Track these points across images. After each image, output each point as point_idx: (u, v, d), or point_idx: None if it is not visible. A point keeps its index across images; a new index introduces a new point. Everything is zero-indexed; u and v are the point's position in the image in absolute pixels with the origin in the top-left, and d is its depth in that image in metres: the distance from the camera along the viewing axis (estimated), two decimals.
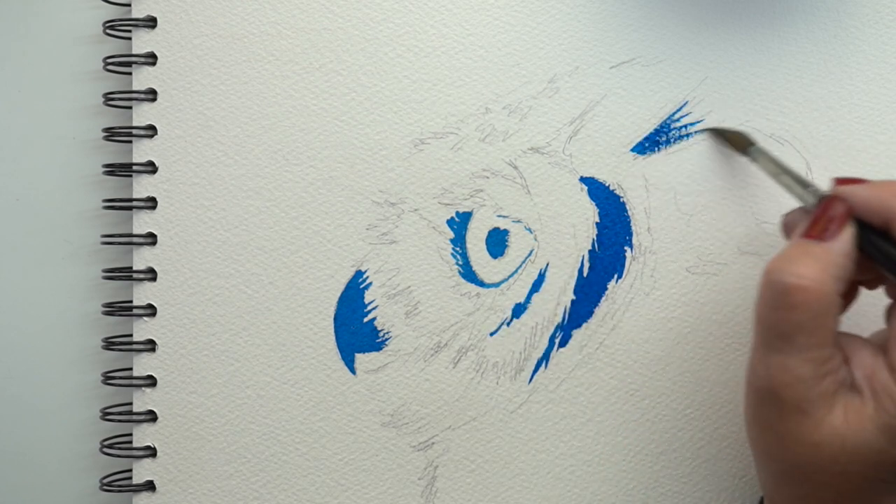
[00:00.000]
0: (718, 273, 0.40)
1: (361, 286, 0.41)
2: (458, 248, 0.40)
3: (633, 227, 0.40)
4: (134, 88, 0.41)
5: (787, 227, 0.36)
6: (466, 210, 0.40)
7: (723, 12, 0.40)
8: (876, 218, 0.31)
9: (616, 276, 0.40)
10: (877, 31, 0.40)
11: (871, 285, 0.35)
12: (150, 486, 0.41)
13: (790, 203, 0.40)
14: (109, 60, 0.41)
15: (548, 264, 0.40)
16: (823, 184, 0.40)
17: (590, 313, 0.40)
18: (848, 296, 0.34)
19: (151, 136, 0.41)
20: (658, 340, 0.40)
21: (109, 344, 0.41)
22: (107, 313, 0.41)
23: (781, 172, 0.36)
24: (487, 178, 0.40)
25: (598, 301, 0.40)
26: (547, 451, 0.41)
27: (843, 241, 0.32)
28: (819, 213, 0.32)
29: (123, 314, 0.41)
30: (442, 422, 0.41)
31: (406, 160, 0.40)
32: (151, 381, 0.41)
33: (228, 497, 0.41)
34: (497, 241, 0.40)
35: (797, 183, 0.35)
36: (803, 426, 0.30)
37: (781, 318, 0.30)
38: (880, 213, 0.31)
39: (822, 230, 0.32)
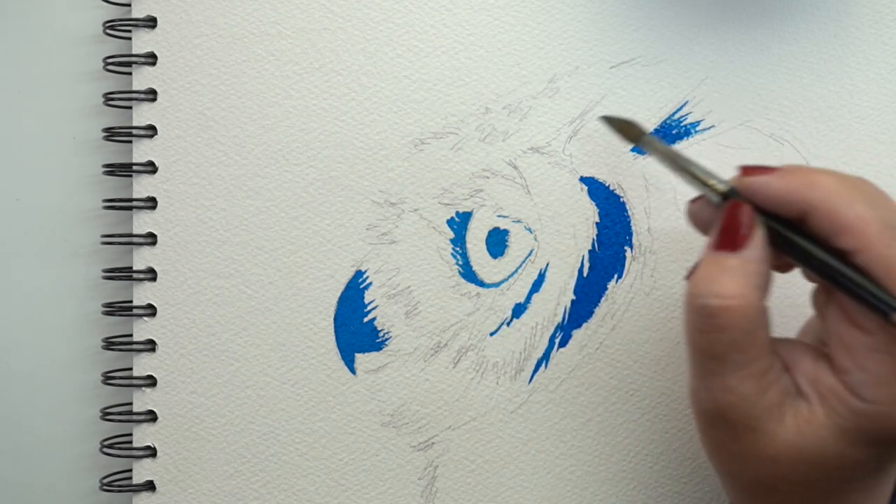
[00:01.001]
0: None
1: (361, 286, 0.41)
2: (458, 248, 0.40)
3: (633, 227, 0.40)
4: (134, 88, 0.41)
5: (693, 217, 0.34)
6: (466, 210, 0.40)
7: (723, 12, 0.40)
8: (788, 211, 0.30)
9: (616, 276, 0.40)
10: (877, 31, 0.40)
11: (784, 269, 0.33)
12: (150, 486, 0.41)
13: None
14: (109, 60, 0.41)
15: (548, 264, 0.40)
16: None
17: (590, 313, 0.40)
18: None
19: (151, 136, 0.41)
20: (658, 340, 0.40)
21: (109, 344, 0.41)
22: (107, 313, 0.41)
23: (678, 164, 0.34)
24: (487, 178, 0.40)
25: (598, 301, 0.40)
26: (547, 451, 0.41)
27: (756, 246, 0.30)
28: (727, 221, 0.31)
29: (123, 314, 0.41)
30: (442, 422, 0.41)
31: (406, 160, 0.40)
32: (151, 381, 0.41)
33: (228, 497, 0.41)
34: (497, 241, 0.40)
35: (697, 175, 0.33)
36: (757, 443, 0.30)
37: (712, 341, 0.30)
38: (792, 206, 0.30)
39: (733, 239, 0.30)
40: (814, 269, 0.30)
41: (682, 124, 0.40)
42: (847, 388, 0.29)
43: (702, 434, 0.32)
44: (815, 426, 0.29)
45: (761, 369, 0.30)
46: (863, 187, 0.30)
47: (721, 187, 0.32)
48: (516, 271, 0.40)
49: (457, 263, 0.40)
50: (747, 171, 0.31)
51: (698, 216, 0.33)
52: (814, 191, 0.29)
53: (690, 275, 0.32)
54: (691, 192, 0.40)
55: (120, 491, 0.41)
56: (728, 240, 0.30)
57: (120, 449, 0.41)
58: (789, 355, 0.31)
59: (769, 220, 0.31)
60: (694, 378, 0.31)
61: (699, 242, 0.40)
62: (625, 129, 0.38)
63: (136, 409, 0.41)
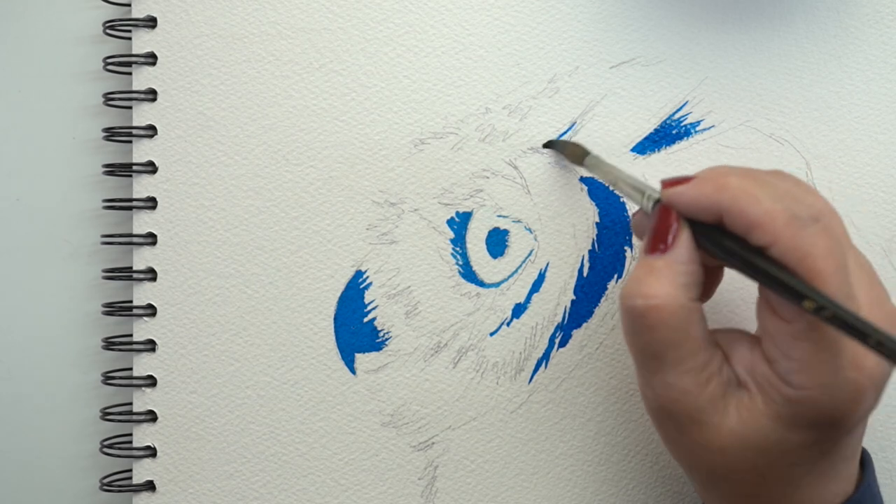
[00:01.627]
0: None
1: (361, 286, 0.41)
2: (458, 248, 0.40)
3: None
4: (134, 88, 0.41)
5: (637, 229, 0.35)
6: (466, 210, 0.40)
7: (723, 12, 0.40)
8: (706, 216, 0.31)
9: (616, 276, 0.40)
10: (877, 30, 0.40)
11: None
12: (150, 486, 0.41)
13: None
14: (109, 60, 0.41)
15: (548, 264, 0.40)
16: (825, 184, 0.40)
17: (590, 313, 0.40)
18: (712, 279, 0.34)
19: (151, 136, 0.41)
20: None
21: (109, 344, 0.41)
22: (107, 313, 0.41)
23: (618, 180, 0.35)
24: (487, 178, 0.40)
25: (598, 301, 0.40)
26: (547, 451, 0.41)
27: (682, 247, 0.31)
28: (656, 225, 0.32)
29: (123, 314, 0.41)
30: (442, 422, 0.41)
31: (406, 160, 0.40)
32: (151, 381, 0.41)
33: (228, 497, 0.41)
34: (497, 241, 0.40)
35: (634, 190, 0.34)
36: (704, 435, 0.31)
37: (646, 341, 0.31)
38: (709, 210, 0.30)
39: (661, 242, 0.31)
40: (735, 266, 0.31)
41: (682, 124, 0.40)
42: (778, 376, 0.30)
43: (658, 431, 0.33)
44: (755, 414, 0.30)
45: (699, 364, 0.31)
46: (771, 181, 0.31)
47: (655, 196, 0.33)
48: (516, 271, 0.40)
49: (457, 263, 0.40)
50: (666, 183, 0.32)
51: (639, 227, 0.35)
52: (723, 193, 0.30)
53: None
54: None
55: (120, 491, 0.41)
56: (656, 243, 0.31)
57: (120, 449, 0.41)
58: (729, 346, 0.32)
59: (690, 225, 0.31)
60: (638, 377, 0.32)
61: None
62: (571, 151, 0.39)
63: (136, 409, 0.41)
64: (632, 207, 0.40)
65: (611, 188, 0.38)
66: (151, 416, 0.41)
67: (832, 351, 0.29)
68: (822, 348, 0.29)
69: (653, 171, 0.40)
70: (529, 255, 0.40)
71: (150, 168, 0.41)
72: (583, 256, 0.40)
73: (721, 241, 0.31)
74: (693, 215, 0.31)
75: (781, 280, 0.29)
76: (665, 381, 0.31)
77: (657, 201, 0.32)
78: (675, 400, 0.31)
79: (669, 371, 0.31)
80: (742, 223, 0.30)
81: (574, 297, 0.40)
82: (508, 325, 0.40)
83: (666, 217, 0.32)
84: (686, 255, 0.31)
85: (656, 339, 0.30)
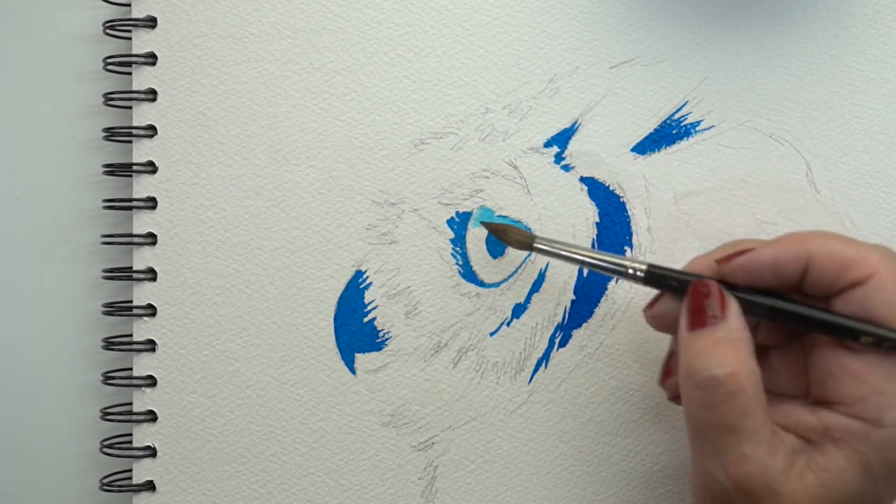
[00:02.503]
0: None
1: (361, 286, 0.41)
2: (458, 248, 0.40)
3: (633, 227, 0.40)
4: (134, 88, 0.41)
5: (657, 320, 0.35)
6: (466, 210, 0.40)
7: (723, 12, 0.40)
8: (791, 268, 0.31)
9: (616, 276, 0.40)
10: (877, 31, 0.40)
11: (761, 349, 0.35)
12: (150, 486, 0.41)
13: (791, 202, 0.40)
14: (109, 60, 0.41)
15: (548, 264, 0.40)
16: (825, 184, 0.40)
17: (590, 313, 0.40)
18: None
19: (151, 136, 0.41)
20: (658, 340, 0.40)
21: (109, 344, 0.41)
22: (107, 313, 0.41)
23: (588, 258, 0.35)
24: (487, 178, 0.40)
25: (598, 301, 0.40)
26: (547, 451, 0.41)
27: (736, 316, 0.31)
28: (697, 300, 0.32)
29: (123, 314, 0.41)
30: (442, 422, 0.41)
31: (406, 160, 0.40)
32: (151, 381, 0.41)
33: (228, 497, 0.41)
34: (497, 242, 0.40)
35: (613, 265, 0.34)
36: None
37: (723, 412, 0.30)
38: (795, 261, 0.31)
39: (706, 315, 0.31)
40: (790, 322, 0.31)
41: (682, 124, 0.40)
42: (864, 420, 0.30)
43: None
44: (836, 472, 0.30)
45: (769, 432, 0.30)
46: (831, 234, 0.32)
47: (642, 265, 0.33)
48: (516, 271, 0.40)
49: (457, 263, 0.40)
50: (725, 259, 0.32)
51: (663, 318, 0.34)
52: (806, 243, 0.31)
53: (664, 379, 0.35)
54: (690, 193, 0.40)
55: (120, 491, 0.41)
56: (702, 317, 0.31)
57: (120, 449, 0.41)
58: (785, 418, 0.32)
59: (756, 296, 0.32)
60: (704, 459, 0.31)
61: (699, 243, 0.40)
62: (513, 236, 0.38)
63: (136, 409, 0.41)
64: (632, 208, 0.40)
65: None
66: (151, 416, 0.41)
67: None
68: None
69: (653, 170, 0.40)
70: (529, 254, 0.40)
71: (150, 168, 0.41)
72: (536, 235, 0.40)
73: (776, 303, 0.31)
74: (774, 273, 0.31)
75: (875, 334, 0.29)
76: (741, 455, 0.30)
77: (648, 268, 0.33)
78: (751, 473, 0.30)
79: (745, 442, 0.30)
80: (836, 263, 0.30)
81: (574, 297, 0.40)
82: (508, 325, 0.40)
83: (709, 289, 0.32)
84: (741, 322, 0.31)
85: (734, 409, 0.30)
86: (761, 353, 0.34)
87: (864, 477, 0.30)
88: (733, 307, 0.31)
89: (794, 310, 0.31)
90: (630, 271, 0.34)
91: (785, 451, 0.30)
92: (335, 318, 0.41)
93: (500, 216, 0.40)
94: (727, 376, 0.30)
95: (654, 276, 0.33)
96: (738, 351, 0.30)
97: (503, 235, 0.38)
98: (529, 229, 0.40)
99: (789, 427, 0.31)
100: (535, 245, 0.37)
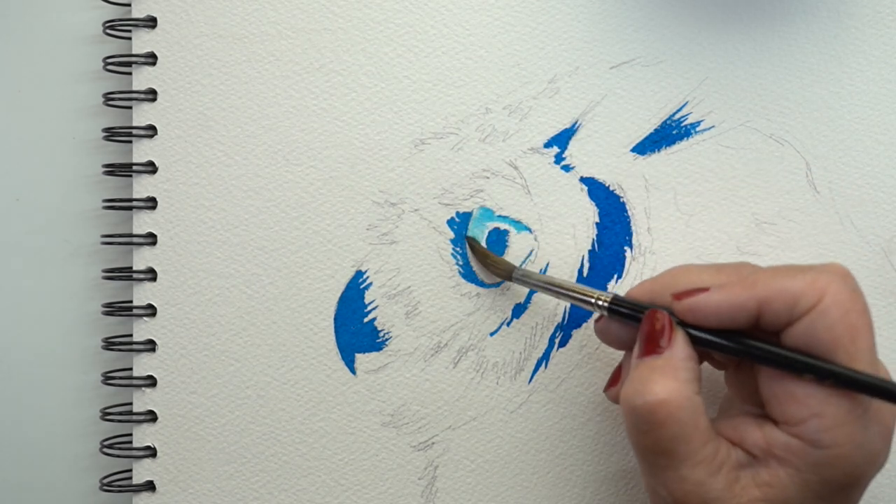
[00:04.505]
0: None
1: (362, 286, 0.41)
2: (458, 248, 0.40)
3: (633, 227, 0.40)
4: (134, 88, 0.41)
5: (603, 335, 0.35)
6: (467, 210, 0.40)
7: (723, 12, 0.40)
8: (741, 315, 0.31)
9: (616, 276, 0.40)
10: (877, 31, 0.40)
11: (720, 367, 0.35)
12: (150, 486, 0.41)
13: (791, 202, 0.40)
14: (109, 60, 0.41)
15: (548, 264, 0.40)
16: (825, 184, 0.40)
17: (590, 313, 0.40)
18: None
19: (151, 136, 0.41)
20: None
21: (109, 344, 0.41)
22: (107, 313, 0.41)
23: (558, 289, 0.36)
24: (488, 178, 0.40)
25: None
26: (547, 451, 0.41)
27: (680, 346, 0.32)
28: (648, 329, 0.32)
29: (123, 314, 0.41)
30: (442, 422, 0.41)
31: (406, 160, 0.40)
32: (151, 382, 0.41)
33: (228, 497, 0.41)
34: (497, 241, 0.40)
35: (580, 296, 0.35)
36: None
37: (656, 438, 0.31)
38: (745, 308, 0.31)
39: (656, 344, 0.32)
40: (737, 355, 0.32)
41: (682, 124, 0.40)
42: (803, 440, 0.30)
43: None
44: (779, 488, 0.31)
45: (709, 454, 0.31)
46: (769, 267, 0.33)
47: (606, 297, 0.34)
48: None
49: (457, 263, 0.40)
50: (679, 296, 0.33)
51: (607, 333, 0.35)
52: (756, 288, 0.31)
53: (608, 387, 0.36)
54: (690, 193, 0.40)
55: (120, 491, 0.41)
56: (652, 346, 0.32)
57: (120, 449, 0.41)
58: (734, 430, 0.32)
59: (700, 332, 0.32)
60: (647, 477, 0.32)
61: (699, 242, 0.40)
62: (493, 264, 0.39)
63: (136, 409, 0.41)
64: (632, 208, 0.40)
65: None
66: (151, 416, 0.41)
67: (864, 405, 0.30)
68: (857, 403, 0.30)
69: (653, 170, 0.40)
70: (529, 255, 0.40)
71: (150, 168, 0.41)
72: (583, 256, 0.40)
73: (719, 336, 0.32)
74: (724, 317, 0.32)
75: (831, 371, 0.30)
76: (678, 476, 0.31)
77: (612, 300, 0.34)
78: (690, 493, 0.31)
79: (682, 466, 0.31)
80: (785, 301, 0.30)
81: None
82: (508, 325, 0.40)
83: (656, 320, 0.32)
84: (685, 352, 0.32)
85: (666, 436, 0.31)
86: (717, 365, 0.35)
87: (804, 494, 0.30)
88: (680, 337, 0.32)
89: (741, 345, 0.32)
90: (596, 302, 0.35)
91: (729, 466, 0.31)
92: (335, 319, 0.41)
93: (500, 216, 0.40)
94: (657, 404, 0.31)
95: (616, 308, 0.34)
96: (674, 379, 0.31)
97: (484, 261, 0.40)
98: (530, 230, 0.40)
99: (737, 441, 0.32)
100: (514, 276, 0.38)
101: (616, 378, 0.36)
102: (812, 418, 0.30)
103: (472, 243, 0.40)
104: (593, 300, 0.35)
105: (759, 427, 0.32)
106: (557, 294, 0.37)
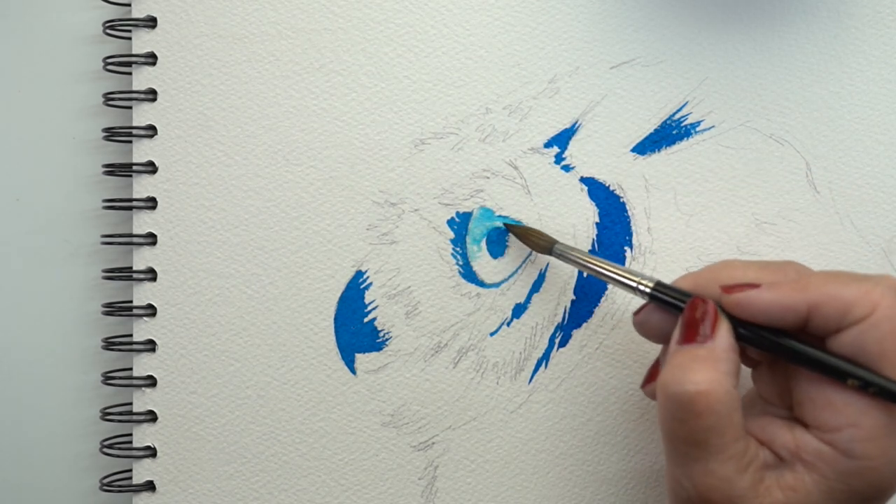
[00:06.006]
0: None
1: (362, 286, 0.41)
2: (458, 248, 0.40)
3: (633, 227, 0.40)
4: (134, 88, 0.41)
5: (642, 327, 0.35)
6: (467, 210, 0.40)
7: (723, 12, 0.40)
8: (789, 315, 0.31)
9: None
10: (877, 31, 0.40)
11: (752, 364, 0.35)
12: (150, 486, 0.41)
13: (791, 202, 0.40)
14: (109, 60, 0.41)
15: (548, 264, 0.40)
16: (825, 184, 0.40)
17: (590, 313, 0.40)
18: None
19: (151, 136, 0.41)
20: None
21: (109, 344, 0.41)
22: (107, 313, 0.41)
23: (599, 268, 0.36)
24: (488, 178, 0.40)
25: (598, 301, 0.40)
26: (547, 451, 0.41)
27: (723, 337, 0.32)
28: (690, 316, 0.32)
29: (123, 314, 0.41)
30: (442, 422, 0.41)
31: (406, 160, 0.40)
32: (151, 382, 0.41)
33: (228, 497, 0.41)
34: (497, 241, 0.40)
35: (622, 278, 0.35)
36: None
37: (691, 428, 0.31)
38: (794, 310, 0.31)
39: (697, 333, 0.32)
40: (781, 355, 0.32)
41: (682, 124, 0.40)
42: (835, 448, 0.30)
43: None
44: (803, 493, 0.30)
45: (740, 450, 0.31)
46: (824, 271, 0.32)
47: (649, 282, 0.34)
48: (516, 271, 0.40)
49: (457, 263, 0.40)
50: (727, 289, 0.32)
51: (647, 325, 0.35)
52: (807, 291, 0.31)
53: (646, 383, 0.35)
54: (690, 193, 0.40)
55: (120, 491, 0.41)
56: (693, 333, 0.32)
57: (120, 449, 0.41)
58: (762, 431, 0.32)
59: (753, 329, 0.32)
60: (674, 467, 0.32)
61: (699, 242, 0.40)
62: (534, 239, 0.39)
63: (136, 409, 0.41)
64: (632, 208, 0.40)
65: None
66: (151, 416, 0.41)
67: None
68: (894, 418, 0.30)
69: (653, 170, 0.40)
70: (529, 255, 0.40)
71: (150, 168, 0.41)
72: (556, 240, 0.40)
73: (765, 333, 0.32)
74: (773, 316, 0.31)
75: (867, 379, 0.30)
76: (706, 469, 0.30)
77: (655, 286, 0.34)
78: (714, 487, 0.30)
79: (712, 459, 0.30)
80: (837, 308, 0.30)
81: (574, 297, 0.40)
82: (508, 325, 0.40)
83: (700, 307, 0.32)
84: (728, 343, 0.32)
85: (702, 426, 0.30)
86: (750, 363, 0.35)
87: (827, 502, 0.30)
88: (724, 328, 0.32)
89: (786, 345, 0.32)
90: (638, 286, 0.34)
91: (756, 466, 0.31)
92: (335, 319, 0.41)
93: (500, 216, 0.40)
94: (697, 394, 0.30)
95: (659, 294, 0.34)
96: (715, 370, 0.31)
97: (525, 237, 0.39)
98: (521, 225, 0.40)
99: (765, 441, 0.32)
100: (555, 250, 0.38)
101: (654, 374, 0.35)
102: (848, 427, 0.30)
103: (510, 226, 0.40)
104: (635, 283, 0.34)
105: (789, 430, 0.32)
106: (597, 273, 0.36)
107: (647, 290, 0.34)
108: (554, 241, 0.38)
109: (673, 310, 0.34)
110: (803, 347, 0.31)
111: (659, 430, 0.40)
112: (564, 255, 0.38)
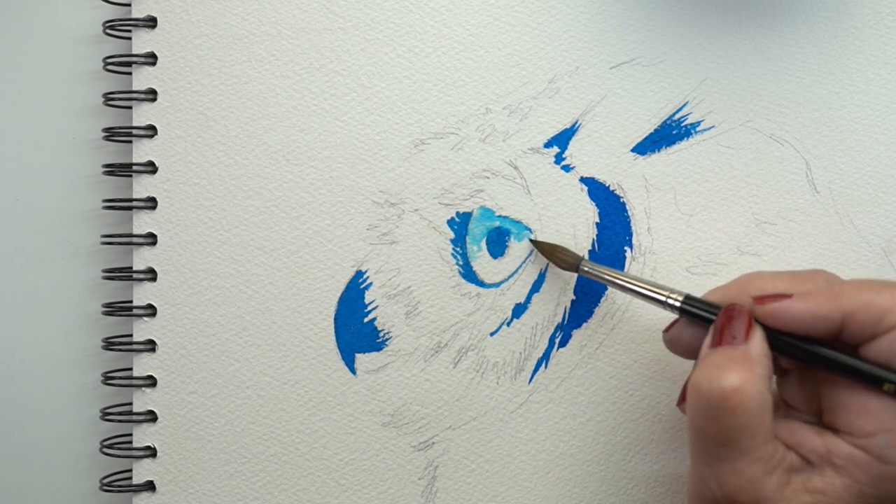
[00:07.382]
0: (718, 273, 0.40)
1: (362, 286, 0.41)
2: (458, 249, 0.40)
3: (633, 227, 0.40)
4: (134, 88, 0.41)
5: (673, 344, 0.36)
6: (467, 210, 0.40)
7: (723, 12, 0.40)
8: (822, 325, 0.31)
9: None
10: (877, 31, 0.40)
11: (782, 374, 0.35)
12: (150, 486, 0.41)
13: (791, 202, 0.40)
14: (109, 60, 0.41)
15: (548, 264, 0.40)
16: (825, 184, 0.40)
17: (590, 313, 0.40)
18: None
19: (151, 136, 0.41)
20: (658, 340, 0.40)
21: (109, 344, 0.41)
22: (107, 313, 0.41)
23: (628, 283, 0.36)
24: (488, 178, 0.40)
25: (598, 301, 0.40)
26: (547, 451, 0.41)
27: (758, 342, 0.32)
28: (724, 322, 0.32)
29: (123, 314, 0.41)
30: (442, 422, 0.41)
31: (406, 160, 0.40)
32: (151, 382, 0.41)
33: (228, 497, 0.41)
34: (497, 241, 0.40)
35: (650, 293, 0.35)
36: None
37: (722, 426, 0.30)
38: (828, 319, 0.31)
39: (732, 336, 0.32)
40: (813, 364, 0.32)
41: (682, 125, 0.40)
42: (869, 453, 0.30)
43: None
44: (833, 497, 0.30)
45: (768, 452, 0.31)
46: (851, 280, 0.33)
47: (678, 297, 0.34)
48: (516, 271, 0.40)
49: (457, 263, 0.40)
50: (759, 300, 0.33)
51: (678, 342, 0.35)
52: (841, 300, 0.31)
53: (682, 401, 0.34)
54: (690, 193, 0.40)
55: (120, 491, 0.41)
56: (727, 337, 0.32)
57: (120, 449, 0.41)
58: (791, 434, 0.32)
59: (786, 338, 0.32)
60: (700, 466, 0.32)
61: (699, 242, 0.40)
62: (559, 256, 0.39)
63: (136, 409, 0.41)
64: (632, 208, 0.40)
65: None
66: (151, 417, 0.41)
67: None
68: None
69: (653, 170, 0.40)
70: (529, 255, 0.40)
71: (150, 168, 0.41)
72: (583, 257, 0.40)
73: (798, 342, 0.32)
74: (807, 325, 0.31)
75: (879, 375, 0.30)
76: (734, 469, 0.30)
77: (685, 300, 0.34)
78: (741, 488, 0.30)
79: (741, 458, 0.30)
80: (872, 315, 0.30)
81: (574, 297, 0.40)
82: (508, 325, 0.40)
83: (735, 312, 0.32)
84: (762, 348, 0.32)
85: (734, 425, 0.30)
86: (779, 371, 0.35)
87: None
88: (758, 334, 0.32)
89: (820, 353, 0.32)
90: (667, 300, 0.35)
91: (784, 469, 0.31)
92: (335, 319, 0.41)
93: (500, 216, 0.40)
94: (733, 391, 0.30)
95: (689, 307, 0.34)
96: (750, 371, 0.31)
97: (550, 255, 0.39)
98: (531, 231, 0.40)
99: (792, 445, 0.32)
100: (581, 268, 0.38)
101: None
102: (883, 433, 0.30)
103: (536, 242, 0.40)
104: (664, 298, 0.35)
105: (818, 434, 0.32)
106: (625, 289, 0.36)
107: (677, 303, 0.34)
108: (580, 259, 0.39)
109: (703, 323, 0.34)
110: (838, 355, 0.31)
111: (665, 431, 0.40)
112: (591, 272, 0.38)
